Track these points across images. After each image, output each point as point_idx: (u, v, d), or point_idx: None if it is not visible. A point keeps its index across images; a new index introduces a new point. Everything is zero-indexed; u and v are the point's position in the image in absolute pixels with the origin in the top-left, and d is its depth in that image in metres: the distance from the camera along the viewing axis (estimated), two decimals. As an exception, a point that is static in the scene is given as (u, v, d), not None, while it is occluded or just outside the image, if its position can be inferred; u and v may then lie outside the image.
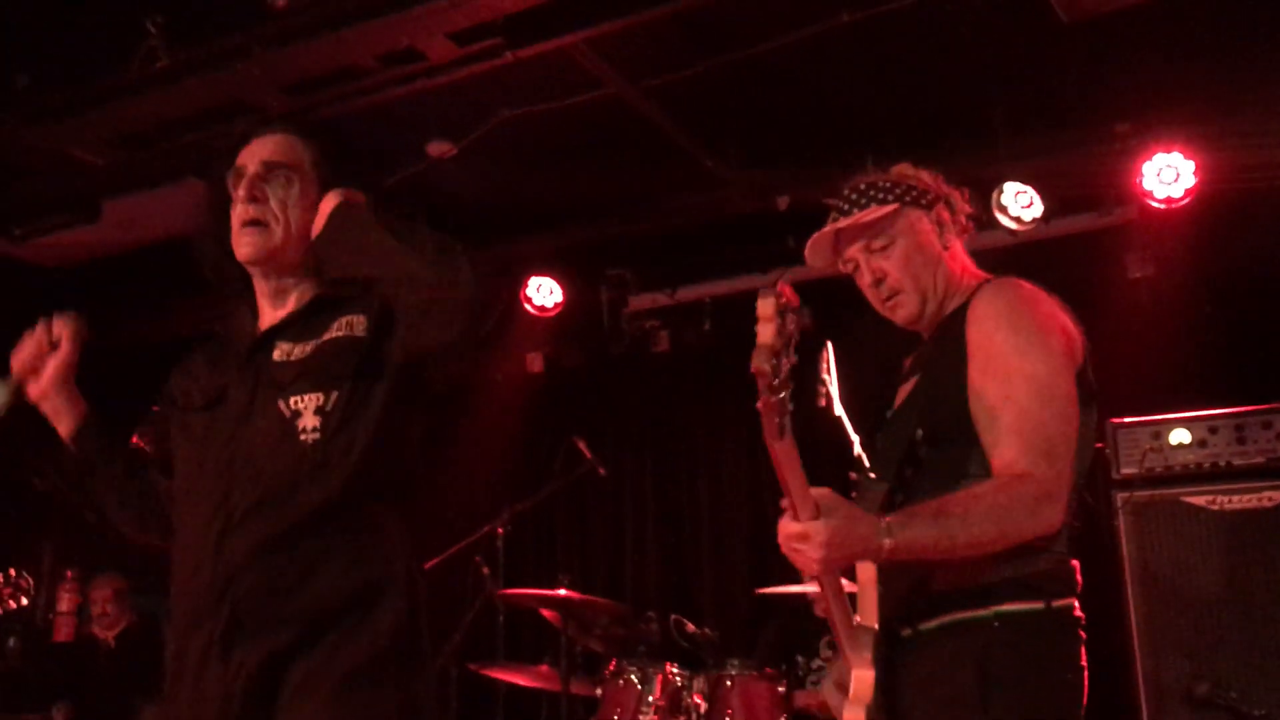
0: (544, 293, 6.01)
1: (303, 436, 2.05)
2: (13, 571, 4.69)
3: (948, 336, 2.23)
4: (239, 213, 2.16)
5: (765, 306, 1.67)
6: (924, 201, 2.32)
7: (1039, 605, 2.05)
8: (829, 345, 3.70)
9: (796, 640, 4.82)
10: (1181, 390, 4.38)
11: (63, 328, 2.33)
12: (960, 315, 2.21)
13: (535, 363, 6.50)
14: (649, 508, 6.16)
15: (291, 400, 2.09)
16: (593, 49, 4.00)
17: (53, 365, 2.32)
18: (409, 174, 4.77)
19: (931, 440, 2.16)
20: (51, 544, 6.74)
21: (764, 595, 4.41)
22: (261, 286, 2.23)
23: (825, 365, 3.69)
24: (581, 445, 4.97)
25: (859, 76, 4.52)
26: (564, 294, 6.02)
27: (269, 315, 2.23)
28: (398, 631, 2.03)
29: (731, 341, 6.05)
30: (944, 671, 2.06)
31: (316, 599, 2.00)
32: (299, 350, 2.14)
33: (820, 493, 1.87)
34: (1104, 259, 5.09)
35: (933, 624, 2.10)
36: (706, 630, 4.16)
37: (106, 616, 5.90)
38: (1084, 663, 2.09)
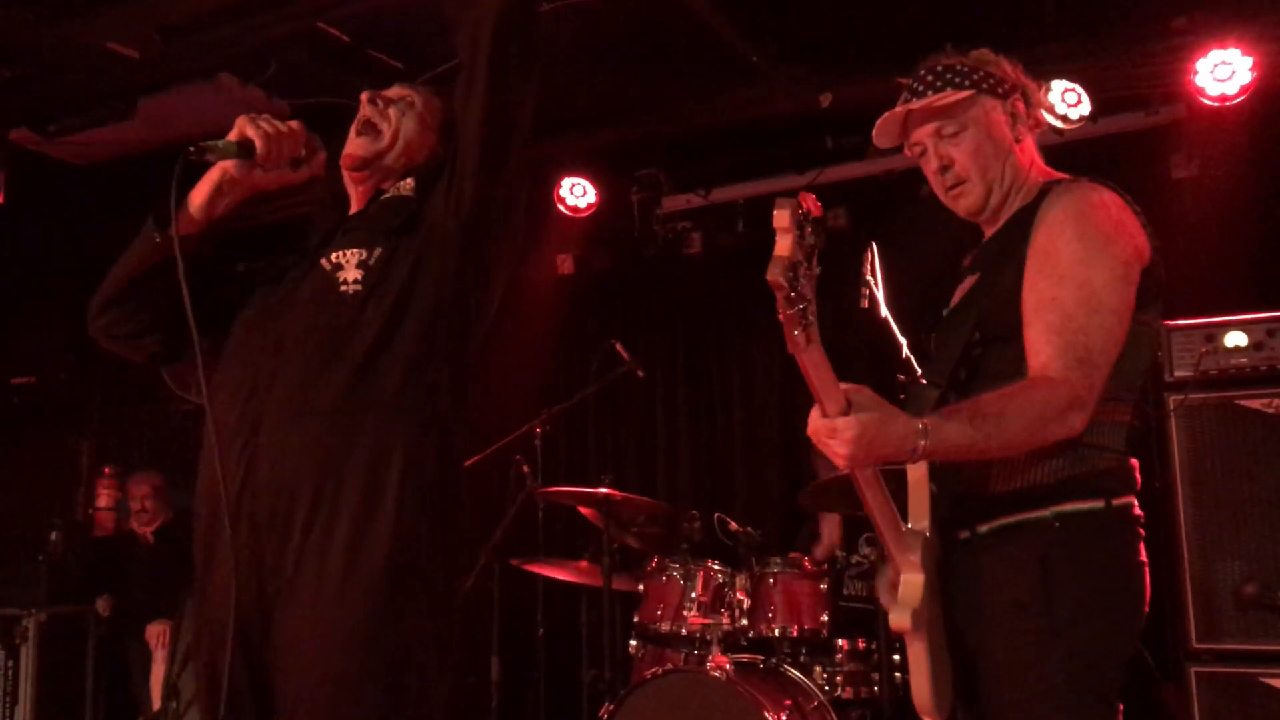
0: (577, 193, 5.96)
1: (343, 288, 2.08)
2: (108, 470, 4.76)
3: (1013, 236, 2.18)
4: (359, 116, 2.23)
5: (782, 217, 1.63)
6: (1000, 90, 2.24)
7: (1099, 504, 2.04)
8: (873, 246, 3.67)
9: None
10: (1230, 293, 4.35)
11: (322, 146, 2.22)
12: (1028, 215, 2.16)
13: (566, 264, 6.47)
14: (681, 409, 6.18)
15: (334, 255, 2.12)
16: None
17: (289, 176, 2.18)
18: (443, 70, 4.69)
19: (987, 341, 2.13)
20: (89, 441, 6.81)
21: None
22: (352, 191, 2.29)
23: (869, 267, 3.66)
24: (619, 347, 4.96)
25: (907, -30, 4.40)
26: (597, 195, 5.97)
27: None
28: (408, 539, 1.99)
29: (765, 244, 5.96)
30: (1005, 574, 2.06)
31: (330, 474, 1.98)
32: (362, 207, 2.23)
33: (853, 388, 1.83)
34: (1148, 159, 5.02)
35: (991, 525, 2.09)
36: (749, 529, 4.20)
37: (145, 513, 6.00)
38: (1144, 559, 2.10)
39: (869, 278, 3.62)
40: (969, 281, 2.30)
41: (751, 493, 5.88)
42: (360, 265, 2.10)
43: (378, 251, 2.10)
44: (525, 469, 4.74)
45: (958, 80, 2.22)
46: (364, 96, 2.26)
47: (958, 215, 2.32)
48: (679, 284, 6.26)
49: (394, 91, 2.30)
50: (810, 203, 1.68)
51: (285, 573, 1.98)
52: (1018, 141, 2.24)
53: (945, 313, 2.36)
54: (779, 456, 5.84)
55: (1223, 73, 4.44)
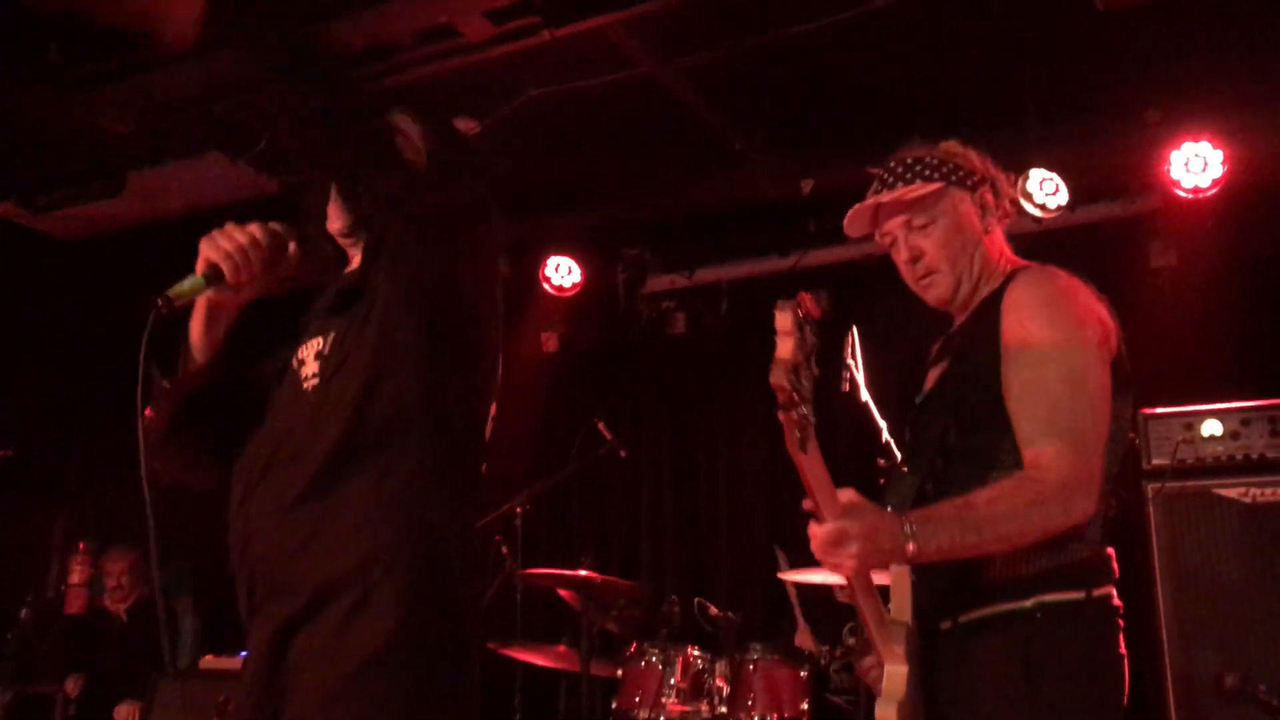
0: (562, 272, 6.01)
1: (305, 385, 1.99)
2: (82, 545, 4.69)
3: (981, 322, 2.19)
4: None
5: (784, 320, 1.63)
6: (969, 183, 2.27)
7: (1080, 595, 2.04)
8: (854, 330, 3.71)
9: (818, 626, 4.84)
10: (1208, 382, 4.38)
11: (293, 237, 2.09)
12: (995, 301, 2.18)
13: (550, 342, 6.49)
14: (665, 490, 6.16)
15: (299, 351, 2.05)
16: (627, 29, 3.98)
17: (269, 279, 2.06)
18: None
19: (963, 428, 2.13)
20: (64, 515, 6.73)
21: (782, 579, 4.43)
22: (351, 259, 2.20)
23: (850, 350, 3.69)
24: (601, 426, 4.96)
25: (888, 61, 4.50)
26: (582, 274, 6.01)
27: None
28: (410, 611, 1.84)
29: (749, 324, 6.05)
30: (988, 664, 2.04)
31: (320, 565, 1.86)
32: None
33: (845, 494, 1.83)
34: (1127, 247, 5.09)
35: (974, 616, 2.08)
36: (729, 614, 4.17)
37: (120, 589, 5.92)
38: (1123, 650, 2.09)
39: (850, 361, 3.65)
40: (940, 368, 2.31)
41: (735, 574, 5.84)
42: (317, 356, 2.00)
43: (331, 336, 2.00)
44: (504, 550, 4.70)
45: (927, 173, 2.25)
46: None
47: (929, 303, 2.34)
48: (663, 363, 6.28)
49: None
50: (809, 304, 1.69)
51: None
52: (987, 232, 2.28)
53: (918, 400, 2.38)
54: (763, 537, 5.81)
55: (1196, 165, 4.54)
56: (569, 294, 6.05)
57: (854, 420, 3.70)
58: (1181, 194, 4.64)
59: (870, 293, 5.47)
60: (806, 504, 1.83)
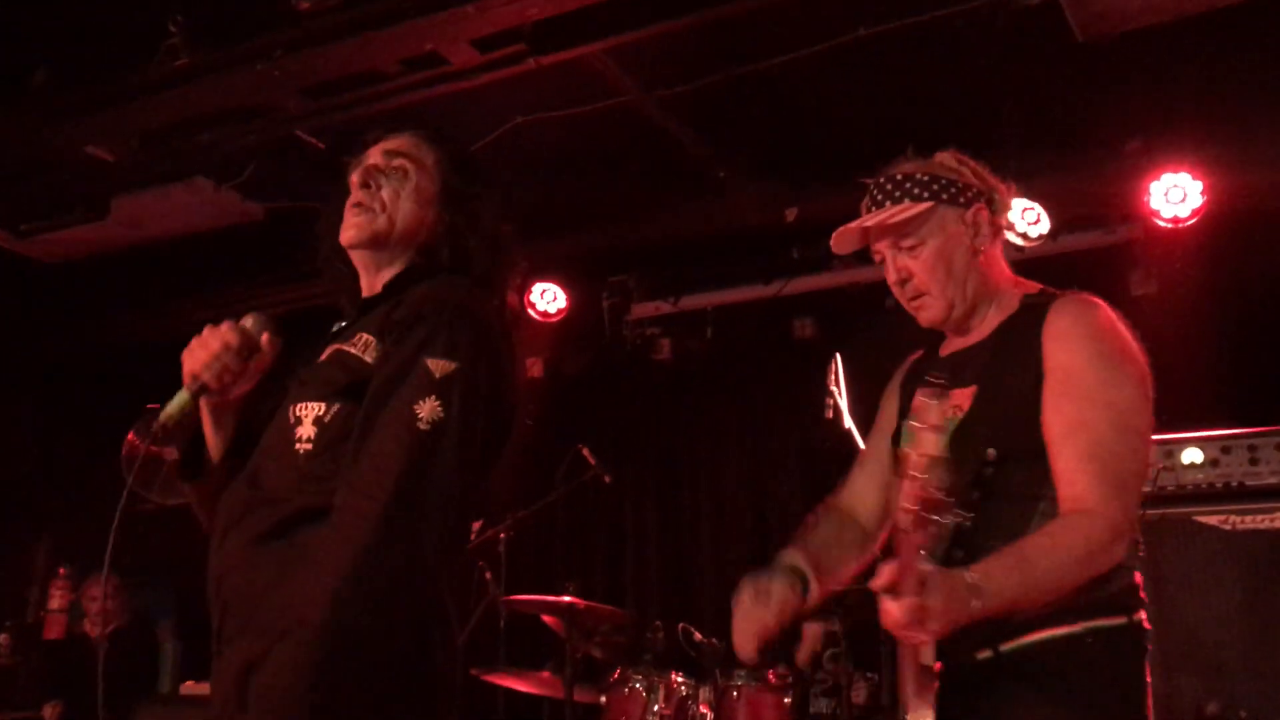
0: (547, 298, 6.03)
1: (297, 445, 1.96)
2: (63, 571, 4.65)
3: (1010, 349, 2.12)
4: (350, 197, 2.13)
5: (929, 413, 1.58)
6: (962, 200, 2.17)
7: (1124, 620, 2.01)
8: (837, 357, 3.73)
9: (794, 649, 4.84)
10: (1188, 410, 4.41)
11: (263, 327, 2.09)
12: (1025, 328, 2.10)
13: (535, 368, 6.50)
14: (649, 515, 6.16)
15: (297, 407, 2.00)
16: (612, 58, 4.01)
17: (252, 370, 2.08)
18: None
19: (1003, 460, 2.04)
20: (45, 540, 6.69)
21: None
22: (362, 280, 2.18)
23: (834, 377, 3.71)
24: (586, 452, 4.96)
25: (871, 91, 4.55)
26: (567, 300, 6.03)
27: None
28: (371, 665, 1.80)
29: (734, 351, 6.08)
30: (1041, 690, 1.99)
31: (285, 609, 1.82)
32: (326, 354, 2.08)
33: (924, 566, 1.74)
34: (1108, 276, 5.12)
35: (1018, 643, 2.00)
36: (713, 639, 4.16)
37: (101, 615, 5.86)
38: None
39: (833, 388, 3.67)
40: (964, 393, 2.16)
41: (720, 599, 5.81)
42: (316, 422, 1.97)
43: (336, 408, 1.96)
44: (488, 576, 4.70)
45: (916, 191, 2.16)
46: (354, 179, 2.13)
47: (922, 324, 2.26)
48: (648, 389, 6.29)
49: (389, 150, 2.17)
50: (961, 398, 1.64)
51: None
52: (979, 252, 2.19)
53: (911, 424, 2.31)
54: (747, 562, 5.80)
55: (1175, 195, 4.59)
56: (554, 320, 6.07)
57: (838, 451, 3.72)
58: (1162, 224, 4.69)
59: (854, 320, 5.51)
60: (877, 583, 1.73)
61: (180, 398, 2.01)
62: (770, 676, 4.14)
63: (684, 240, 5.71)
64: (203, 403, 2.08)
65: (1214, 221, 4.68)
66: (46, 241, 5.15)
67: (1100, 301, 2.13)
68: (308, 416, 1.97)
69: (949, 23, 3.92)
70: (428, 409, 1.87)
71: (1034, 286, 2.23)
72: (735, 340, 6.03)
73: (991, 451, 2.04)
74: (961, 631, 1.94)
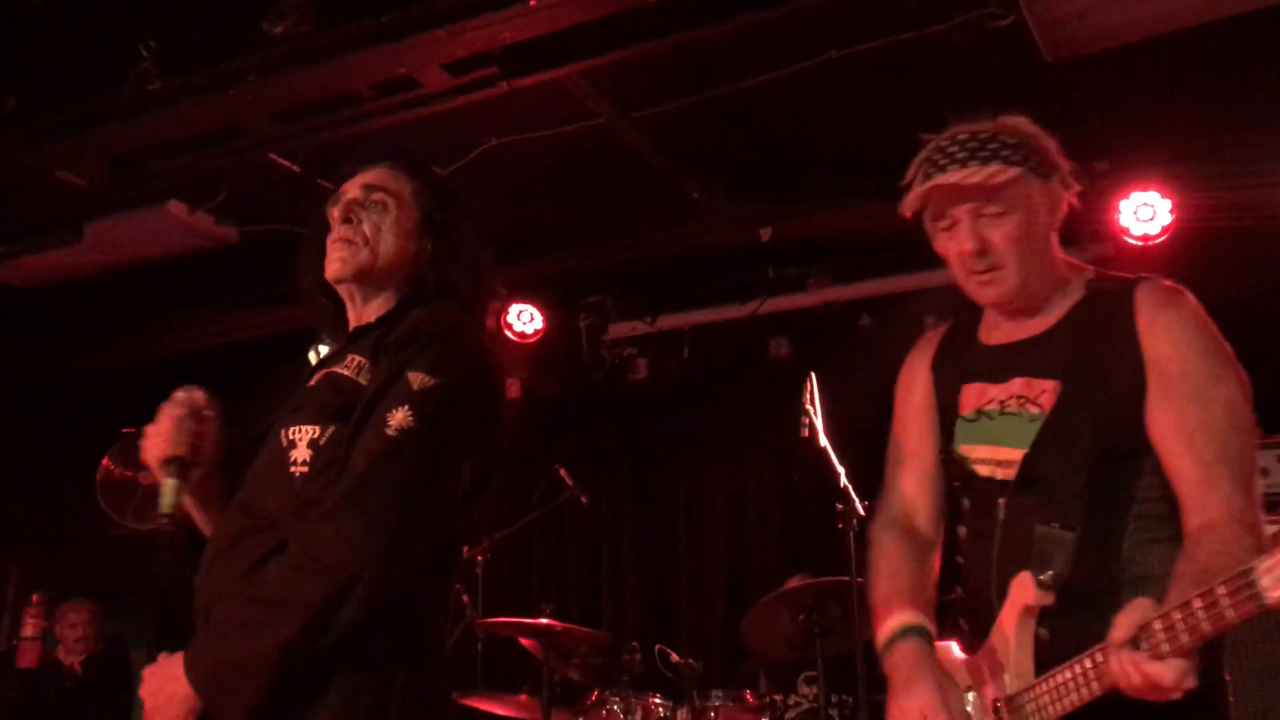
0: (524, 319, 6.04)
1: (292, 469, 1.98)
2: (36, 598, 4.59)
3: (1101, 338, 1.96)
4: (333, 233, 2.17)
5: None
6: (1043, 171, 2.01)
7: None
8: (812, 376, 3.74)
9: (774, 674, 4.84)
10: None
11: (201, 401, 2.12)
12: (1114, 315, 1.96)
13: (513, 389, 6.49)
14: (627, 536, 6.16)
15: (291, 430, 2.03)
16: (586, 80, 4.03)
17: (210, 442, 2.11)
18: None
19: (1108, 461, 1.91)
20: (17, 567, 6.63)
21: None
22: (349, 310, 2.21)
23: (808, 396, 3.73)
24: (563, 473, 4.96)
25: (843, 112, 4.57)
26: (544, 321, 6.04)
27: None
28: (360, 695, 1.83)
29: (711, 370, 6.10)
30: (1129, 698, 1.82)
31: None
32: (317, 378, 2.11)
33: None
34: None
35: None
36: (690, 661, 4.16)
37: (77, 643, 5.81)
38: None
39: (808, 407, 3.68)
40: (1043, 385, 2.01)
41: (696, 621, 5.83)
42: (311, 445, 1.99)
43: (330, 430, 1.98)
44: (465, 598, 4.68)
45: (1006, 154, 1.99)
46: (335, 214, 2.18)
47: (981, 301, 2.10)
48: (625, 410, 6.30)
49: (368, 184, 2.20)
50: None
51: None
52: (1054, 230, 2.06)
53: (973, 417, 2.09)
54: (724, 584, 5.81)
55: (1145, 213, 4.65)
56: (531, 340, 6.08)
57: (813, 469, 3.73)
58: (1131, 241, 4.74)
59: (828, 339, 5.55)
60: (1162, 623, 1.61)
61: (168, 486, 2.03)
62: (748, 696, 4.15)
63: (660, 261, 5.73)
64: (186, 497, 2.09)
65: (1183, 239, 4.73)
66: (21, 266, 5.13)
67: (1184, 288, 1.99)
68: (302, 440, 2.00)
69: (920, 45, 3.95)
70: (399, 418, 1.89)
71: (1088, 269, 2.11)
72: (712, 360, 6.05)
73: (1090, 453, 1.91)
74: (1067, 650, 1.82)
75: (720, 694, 4.12)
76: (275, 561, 1.86)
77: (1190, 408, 1.87)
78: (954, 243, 2.04)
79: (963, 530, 2.13)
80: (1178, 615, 1.58)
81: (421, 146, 4.55)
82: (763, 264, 5.63)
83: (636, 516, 6.18)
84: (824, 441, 3.63)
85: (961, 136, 2.03)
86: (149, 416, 2.10)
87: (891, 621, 2.07)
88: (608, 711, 4.13)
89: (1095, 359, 1.96)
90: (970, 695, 1.99)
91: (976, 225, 2.00)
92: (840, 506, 3.58)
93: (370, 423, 1.91)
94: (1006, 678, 1.92)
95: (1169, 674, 1.58)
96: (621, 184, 5.05)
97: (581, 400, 6.36)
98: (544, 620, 4.23)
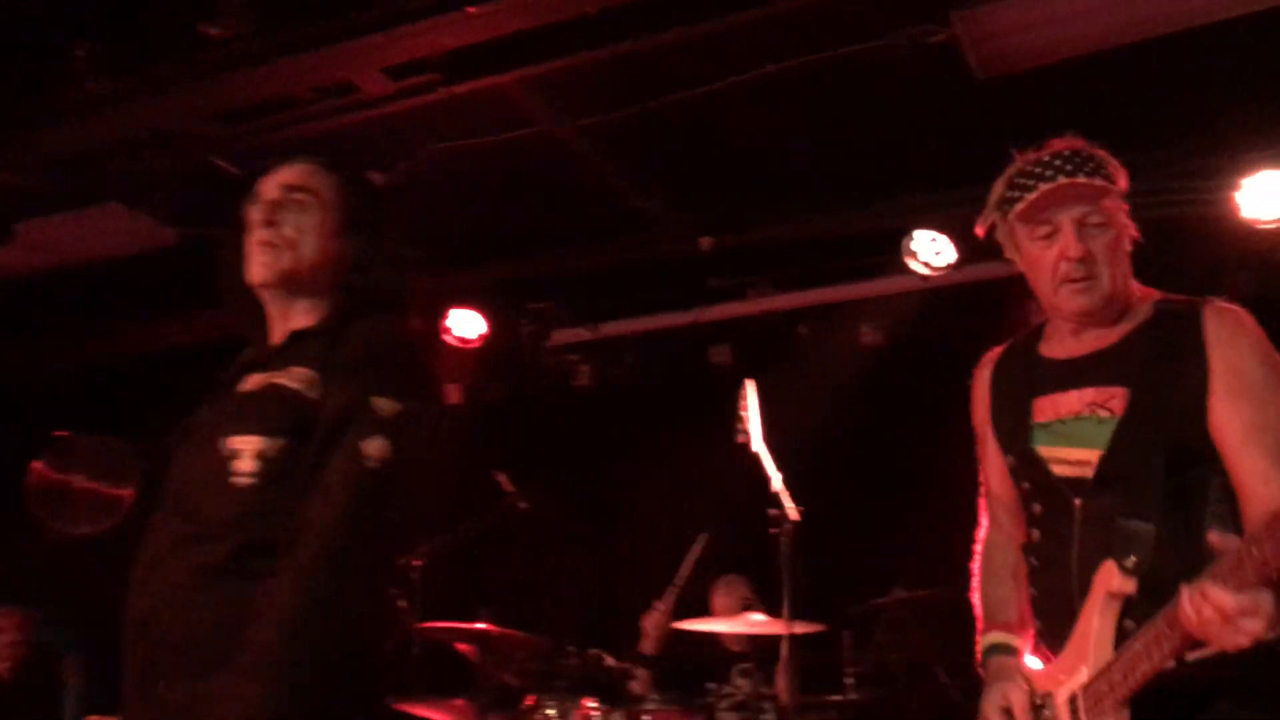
0: (466, 325, 6.03)
1: (235, 479, 1.94)
2: None
3: (1172, 352, 2.06)
4: (253, 236, 2.12)
5: None
6: (1120, 194, 2.15)
7: None
8: (747, 383, 3.79)
9: (707, 668, 4.88)
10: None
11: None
12: (1184, 331, 2.06)
13: (454, 394, 6.49)
14: (566, 542, 6.17)
15: (232, 439, 1.98)
16: (527, 87, 4.06)
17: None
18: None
19: (1177, 463, 2.02)
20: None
21: (677, 629, 4.49)
22: (272, 313, 2.16)
23: (744, 402, 3.77)
24: (503, 479, 4.97)
25: (783, 125, 4.65)
26: (487, 326, 6.04)
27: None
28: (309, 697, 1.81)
29: (654, 377, 6.13)
30: (1230, 698, 1.93)
31: (242, 646, 1.81)
32: (252, 384, 2.07)
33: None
34: (1012, 304, 5.25)
35: (1207, 653, 1.85)
36: (626, 665, 4.18)
37: (5, 649, 5.71)
38: None
39: (744, 413, 3.73)
40: (1111, 392, 2.10)
41: (635, 625, 5.85)
42: (259, 456, 1.95)
43: (282, 444, 1.95)
44: (401, 604, 4.67)
45: (1105, 171, 2.12)
46: (258, 219, 2.12)
47: (1069, 310, 2.15)
48: (568, 416, 6.31)
49: (286, 184, 2.16)
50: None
51: None
52: (1128, 249, 2.17)
53: (1049, 423, 2.17)
54: (662, 589, 5.83)
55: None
56: (473, 345, 6.06)
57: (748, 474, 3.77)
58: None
59: (766, 347, 5.62)
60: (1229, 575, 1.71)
61: None
62: (682, 701, 4.17)
63: (603, 268, 5.77)
64: None
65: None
66: (-53, 267, 5.04)
67: (1245, 310, 2.11)
68: (247, 449, 1.95)
69: (855, 60, 4.03)
70: (375, 448, 1.91)
71: (1156, 293, 2.19)
72: (654, 367, 6.09)
73: (1162, 457, 2.02)
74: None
75: (656, 697, 4.15)
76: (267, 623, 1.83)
77: (1250, 410, 1.99)
78: (1053, 250, 2.12)
79: (1035, 533, 2.20)
80: (1245, 550, 1.69)
81: (364, 150, 4.56)
82: (704, 273, 5.68)
83: (578, 522, 6.20)
84: (758, 446, 3.68)
85: (1066, 151, 2.13)
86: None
87: (984, 640, 2.28)
88: (542, 716, 4.14)
89: (1163, 369, 2.06)
90: (1049, 696, 2.08)
91: (1082, 233, 2.09)
92: (773, 511, 3.63)
93: (340, 448, 1.91)
94: (1084, 669, 1.99)
95: (1235, 601, 1.67)
96: (565, 192, 5.09)
97: (524, 406, 6.37)
98: (480, 625, 4.24)
